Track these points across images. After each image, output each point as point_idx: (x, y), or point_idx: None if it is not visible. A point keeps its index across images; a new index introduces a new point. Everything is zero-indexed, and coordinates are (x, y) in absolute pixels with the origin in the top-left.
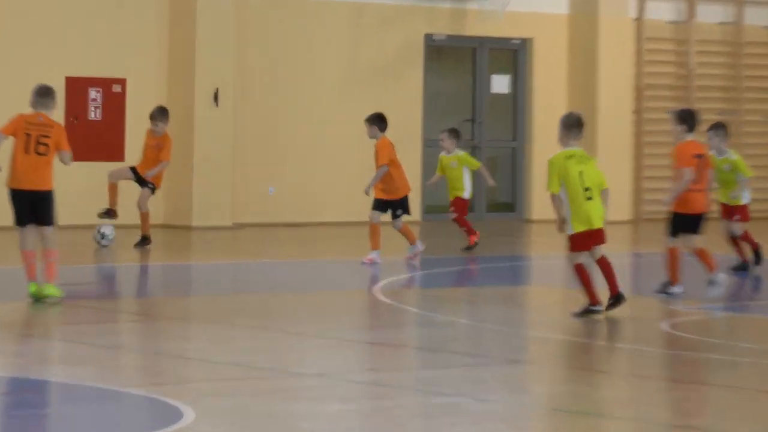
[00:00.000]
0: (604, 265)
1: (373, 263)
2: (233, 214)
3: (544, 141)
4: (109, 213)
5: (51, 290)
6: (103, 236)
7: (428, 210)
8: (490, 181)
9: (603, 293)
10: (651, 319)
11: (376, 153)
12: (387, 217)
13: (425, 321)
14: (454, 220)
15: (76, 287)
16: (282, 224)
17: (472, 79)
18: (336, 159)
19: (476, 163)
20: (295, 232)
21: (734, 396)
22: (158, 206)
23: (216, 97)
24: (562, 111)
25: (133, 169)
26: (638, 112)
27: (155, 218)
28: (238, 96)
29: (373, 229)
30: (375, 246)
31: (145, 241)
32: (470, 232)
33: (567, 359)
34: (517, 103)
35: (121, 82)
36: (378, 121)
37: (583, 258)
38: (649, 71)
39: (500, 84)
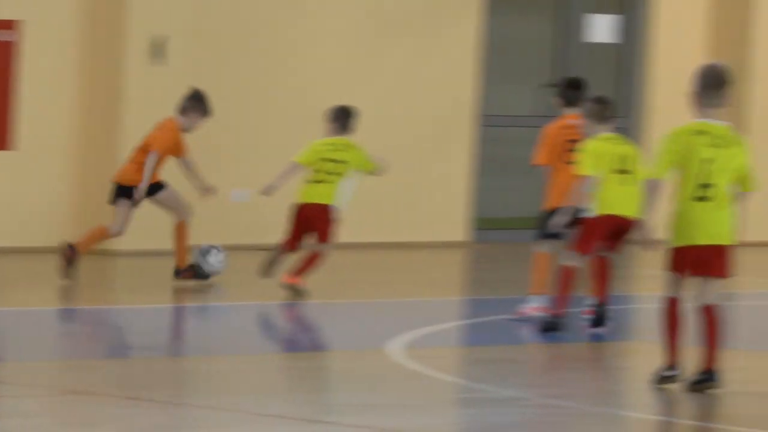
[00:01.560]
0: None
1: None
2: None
3: (671, 118)
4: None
5: None
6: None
7: (482, 225)
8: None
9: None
10: None
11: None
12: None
13: (474, 398)
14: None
15: None
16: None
17: (556, 21)
18: None
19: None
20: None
21: None
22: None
23: (158, 51)
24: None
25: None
26: None
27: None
28: (194, 50)
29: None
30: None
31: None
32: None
33: None
34: (630, 58)
35: (10, 26)
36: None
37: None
38: None
39: (602, 29)
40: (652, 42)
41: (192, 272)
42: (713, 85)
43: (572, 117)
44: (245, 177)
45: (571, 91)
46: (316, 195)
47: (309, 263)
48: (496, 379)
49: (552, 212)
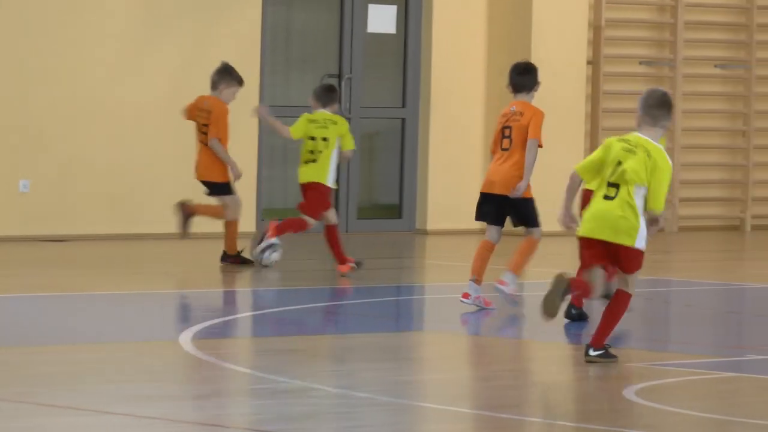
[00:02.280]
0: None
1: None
2: None
3: (450, 109)
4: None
5: None
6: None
7: (266, 215)
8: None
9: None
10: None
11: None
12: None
13: (266, 389)
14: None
15: None
16: (38, 238)
17: (339, 12)
18: (122, 138)
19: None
20: (61, 250)
21: None
22: None
23: None
24: (477, 59)
25: None
26: (595, 63)
27: None
28: None
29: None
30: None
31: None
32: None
33: None
34: (408, 49)
35: None
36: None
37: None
38: (614, 0)
39: (382, 20)
40: (431, 32)
41: (238, 259)
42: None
43: (515, 104)
44: (27, 170)
45: (519, 77)
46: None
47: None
48: (286, 369)
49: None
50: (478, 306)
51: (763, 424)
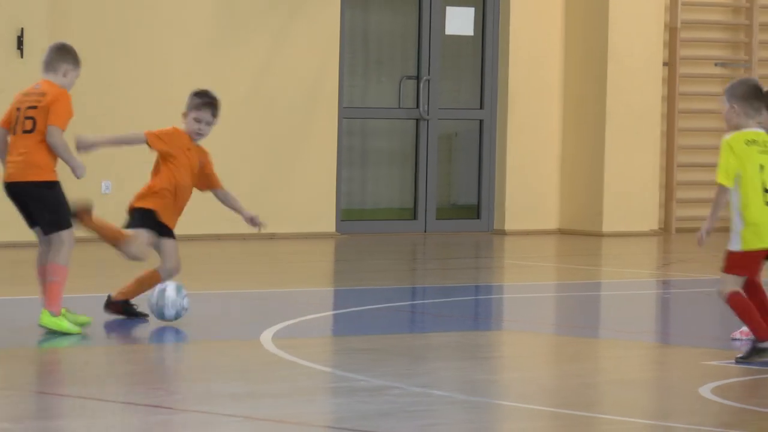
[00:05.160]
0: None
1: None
2: None
3: (527, 110)
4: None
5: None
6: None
7: (345, 216)
8: None
9: None
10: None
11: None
12: None
13: (345, 387)
14: None
15: None
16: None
17: (417, 14)
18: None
19: None
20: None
21: None
22: None
23: (20, 43)
24: (554, 61)
25: None
26: (671, 64)
27: None
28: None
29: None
30: None
31: None
32: None
33: None
34: (486, 51)
35: None
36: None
37: (737, 284)
38: (690, 2)
39: (460, 22)
40: (508, 34)
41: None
42: (754, 96)
43: None
44: (111, 173)
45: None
46: None
47: None
48: (366, 368)
49: None
50: None
51: None
